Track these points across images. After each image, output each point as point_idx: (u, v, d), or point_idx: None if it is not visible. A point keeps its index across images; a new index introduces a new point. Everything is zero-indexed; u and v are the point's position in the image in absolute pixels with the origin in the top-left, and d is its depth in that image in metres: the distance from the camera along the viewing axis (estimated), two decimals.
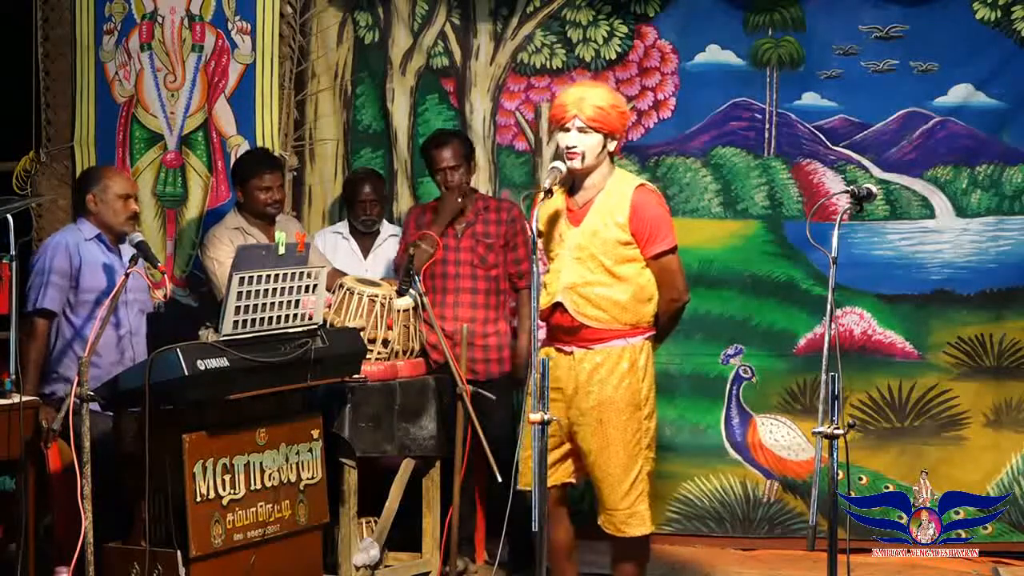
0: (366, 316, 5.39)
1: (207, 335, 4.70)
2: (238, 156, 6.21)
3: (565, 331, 4.55)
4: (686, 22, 6.36)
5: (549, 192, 4.40)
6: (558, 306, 4.54)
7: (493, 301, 5.83)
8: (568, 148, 4.46)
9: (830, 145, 6.28)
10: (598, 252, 4.51)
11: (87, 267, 5.31)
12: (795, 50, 6.28)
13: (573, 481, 4.73)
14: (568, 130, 4.47)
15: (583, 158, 4.47)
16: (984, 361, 6.16)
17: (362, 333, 5.30)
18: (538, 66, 6.47)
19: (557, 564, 4.69)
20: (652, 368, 4.62)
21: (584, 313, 4.52)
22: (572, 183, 4.61)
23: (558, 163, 4.45)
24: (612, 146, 4.53)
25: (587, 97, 4.48)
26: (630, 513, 4.57)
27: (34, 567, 4.66)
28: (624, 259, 4.53)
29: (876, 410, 6.23)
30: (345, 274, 5.80)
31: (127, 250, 5.43)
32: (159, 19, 6.60)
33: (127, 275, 4.88)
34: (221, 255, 5.72)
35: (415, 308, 5.51)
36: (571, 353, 4.56)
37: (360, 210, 6.20)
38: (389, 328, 5.42)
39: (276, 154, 6.28)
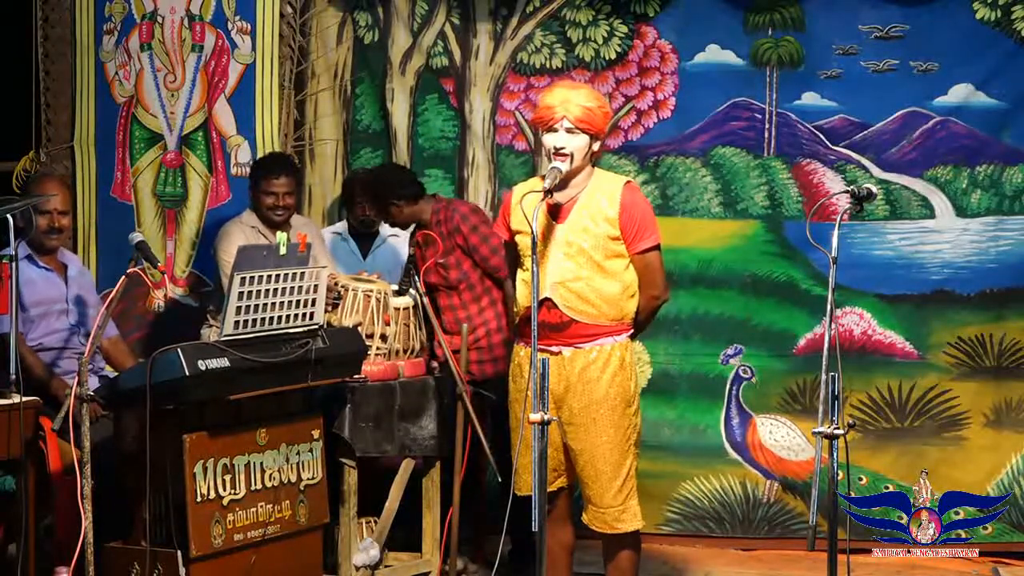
0: (362, 312, 5.39)
1: (208, 334, 4.70)
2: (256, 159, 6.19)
3: (553, 328, 4.54)
4: (686, 22, 6.36)
5: (550, 192, 4.41)
6: (544, 303, 4.53)
7: (474, 309, 5.83)
8: (556, 149, 4.47)
9: (830, 145, 6.28)
10: (588, 247, 4.52)
11: (24, 287, 5.31)
12: (795, 50, 6.28)
13: (567, 483, 4.73)
14: (556, 131, 4.47)
15: (571, 159, 4.48)
16: (984, 361, 6.17)
17: (359, 328, 5.30)
18: (538, 66, 6.47)
19: (557, 566, 4.71)
20: (635, 364, 4.67)
21: (574, 308, 4.52)
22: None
23: (558, 163, 4.45)
24: (596, 147, 4.55)
25: (572, 98, 4.48)
26: (622, 509, 4.57)
27: (34, 567, 4.65)
28: (613, 254, 4.54)
29: (876, 410, 6.23)
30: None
31: (74, 267, 5.46)
32: (159, 19, 6.60)
33: (127, 275, 4.87)
34: (234, 250, 5.71)
35: (414, 307, 5.51)
36: (559, 353, 4.56)
37: (360, 211, 6.20)
38: (386, 323, 5.42)
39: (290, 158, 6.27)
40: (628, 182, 4.61)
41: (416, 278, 5.49)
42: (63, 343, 5.39)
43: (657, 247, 4.60)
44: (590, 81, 6.36)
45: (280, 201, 5.82)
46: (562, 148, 4.45)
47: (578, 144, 4.47)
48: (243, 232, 5.78)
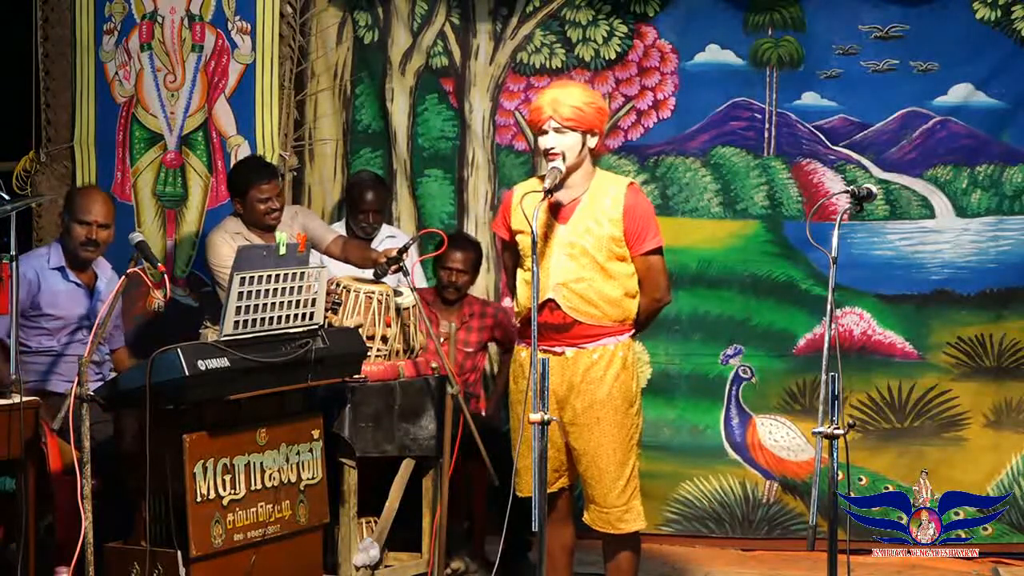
0: (363, 313, 5.39)
1: (207, 335, 4.70)
2: (233, 166, 6.12)
3: (555, 329, 4.54)
4: (686, 22, 6.36)
5: (550, 193, 4.42)
6: (547, 304, 4.53)
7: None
8: (547, 150, 4.48)
9: (830, 145, 6.28)
10: (591, 248, 4.53)
11: (47, 295, 5.32)
12: (795, 50, 6.28)
13: (568, 483, 4.74)
14: (545, 132, 4.49)
15: (563, 158, 4.49)
16: (984, 361, 6.17)
17: (360, 330, 5.30)
18: (537, 66, 6.47)
19: (557, 567, 4.71)
20: (637, 364, 4.68)
21: (577, 309, 4.53)
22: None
23: (558, 163, 4.47)
24: (592, 143, 4.55)
25: (561, 98, 4.50)
26: (626, 509, 4.58)
27: (34, 567, 4.65)
28: (615, 255, 4.55)
29: (876, 410, 6.23)
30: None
31: (104, 277, 5.46)
32: (159, 19, 6.60)
33: (127, 275, 4.87)
34: (224, 260, 5.71)
35: (415, 307, 5.51)
36: (562, 353, 4.56)
37: (363, 218, 6.20)
38: (388, 325, 5.42)
39: (273, 160, 6.25)
40: (631, 183, 4.62)
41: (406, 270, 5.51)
42: (65, 347, 5.39)
43: (659, 250, 4.61)
44: (590, 81, 6.37)
45: (274, 204, 5.78)
46: (551, 148, 4.48)
47: (568, 143, 4.49)
48: (226, 241, 5.75)
